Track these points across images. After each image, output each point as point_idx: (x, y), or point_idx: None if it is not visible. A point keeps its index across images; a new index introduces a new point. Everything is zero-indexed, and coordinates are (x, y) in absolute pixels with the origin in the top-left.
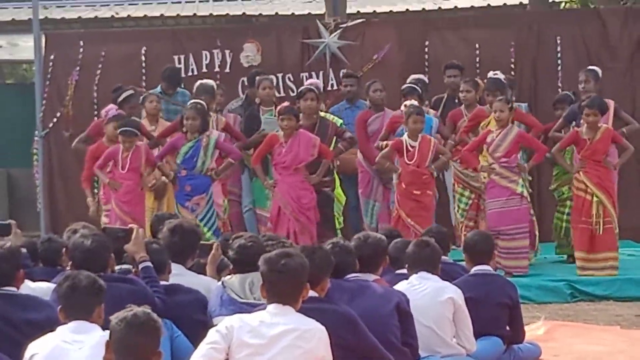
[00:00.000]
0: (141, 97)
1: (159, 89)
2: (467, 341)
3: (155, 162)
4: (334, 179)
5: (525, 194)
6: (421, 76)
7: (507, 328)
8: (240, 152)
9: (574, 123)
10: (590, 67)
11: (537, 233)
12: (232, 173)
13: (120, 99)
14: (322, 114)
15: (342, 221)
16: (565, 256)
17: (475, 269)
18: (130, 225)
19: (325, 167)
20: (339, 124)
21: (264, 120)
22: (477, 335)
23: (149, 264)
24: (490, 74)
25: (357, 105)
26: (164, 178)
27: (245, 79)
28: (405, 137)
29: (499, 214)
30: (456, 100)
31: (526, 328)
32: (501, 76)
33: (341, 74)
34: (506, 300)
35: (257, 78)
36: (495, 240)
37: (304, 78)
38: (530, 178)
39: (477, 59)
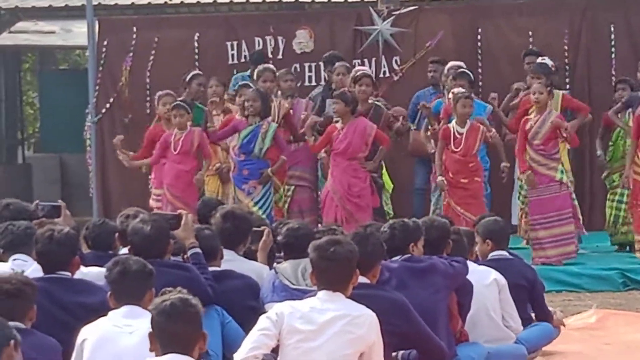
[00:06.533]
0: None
1: (248, 73)
2: (512, 320)
3: (217, 143)
4: (380, 166)
5: (565, 180)
6: (460, 63)
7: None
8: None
9: (629, 110)
10: None
11: (580, 217)
12: (302, 159)
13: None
14: (375, 100)
15: (392, 209)
16: (616, 245)
17: (493, 254)
18: (179, 211)
19: (382, 154)
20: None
21: (328, 104)
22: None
23: (198, 250)
24: (539, 60)
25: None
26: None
27: (297, 65)
28: (453, 123)
29: (540, 202)
30: None
31: (578, 316)
32: (549, 62)
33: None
34: (522, 282)
35: (337, 64)
36: (537, 231)
37: (357, 65)
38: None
39: (531, 47)
